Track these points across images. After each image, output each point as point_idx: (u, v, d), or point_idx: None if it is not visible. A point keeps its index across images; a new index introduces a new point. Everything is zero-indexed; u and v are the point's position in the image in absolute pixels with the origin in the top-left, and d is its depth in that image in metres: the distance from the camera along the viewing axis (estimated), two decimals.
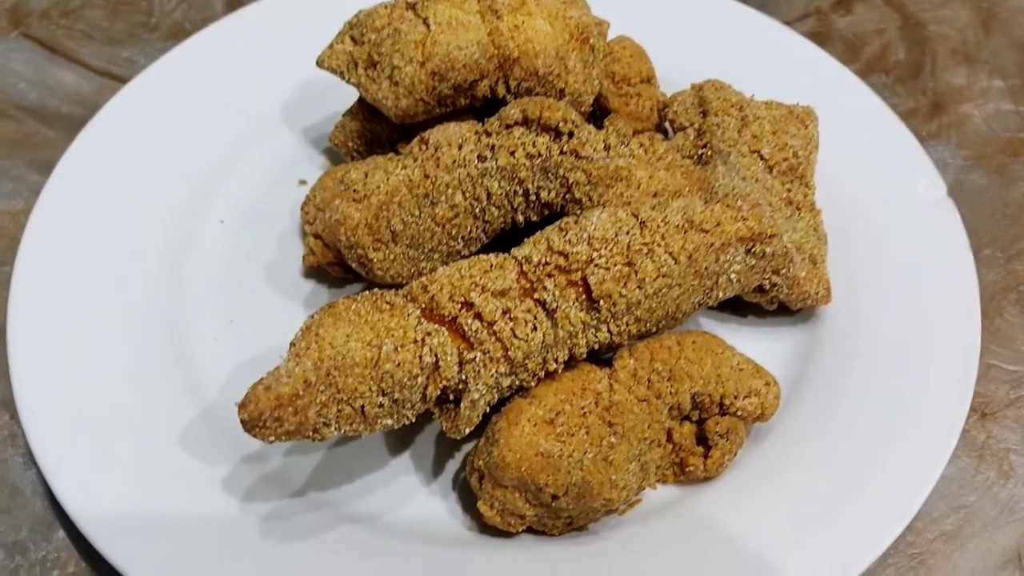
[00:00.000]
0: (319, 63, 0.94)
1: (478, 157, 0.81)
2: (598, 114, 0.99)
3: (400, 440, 0.85)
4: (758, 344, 0.90)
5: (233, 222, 1.00)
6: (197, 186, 1.02)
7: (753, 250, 0.79)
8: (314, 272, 0.96)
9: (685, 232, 0.77)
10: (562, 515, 0.76)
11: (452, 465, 0.84)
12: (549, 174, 0.82)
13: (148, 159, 1.02)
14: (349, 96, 0.97)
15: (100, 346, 0.88)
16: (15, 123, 1.15)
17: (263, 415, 0.67)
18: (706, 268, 0.78)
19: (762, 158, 0.94)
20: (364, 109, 0.96)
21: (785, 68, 1.11)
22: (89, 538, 0.76)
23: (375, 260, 0.81)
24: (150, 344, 0.89)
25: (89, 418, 0.83)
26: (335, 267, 0.93)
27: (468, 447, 0.85)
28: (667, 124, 1.01)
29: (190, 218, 1.00)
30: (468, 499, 0.81)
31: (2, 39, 1.24)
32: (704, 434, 0.81)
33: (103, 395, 0.85)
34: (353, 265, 0.83)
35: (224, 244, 0.99)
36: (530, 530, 0.79)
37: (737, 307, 0.93)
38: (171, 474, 0.80)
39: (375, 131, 0.97)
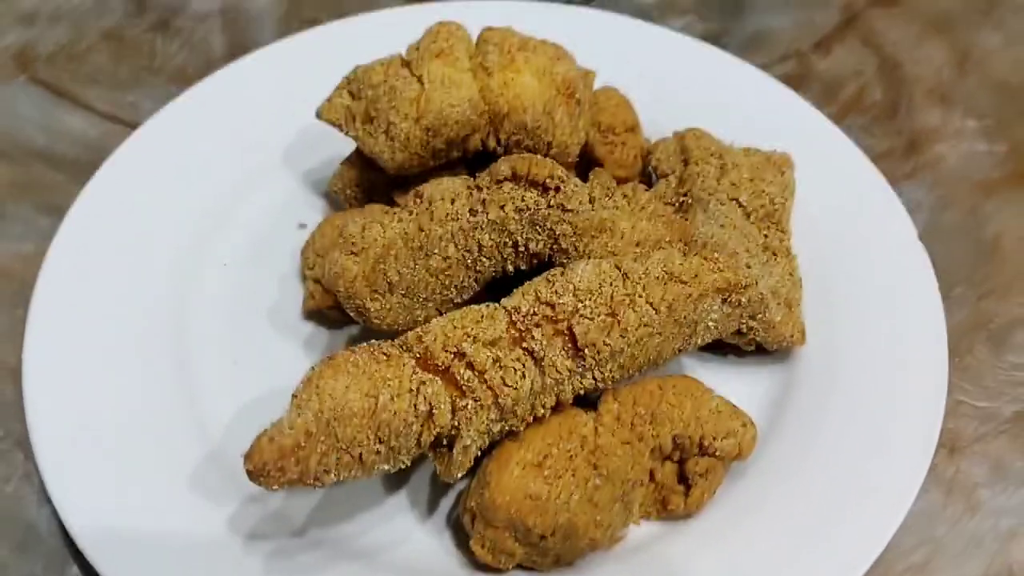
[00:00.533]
0: (318, 115, 0.98)
1: (470, 211, 0.85)
2: (584, 162, 1.03)
3: (396, 480, 0.89)
4: (737, 382, 0.94)
5: (236, 265, 1.04)
6: (201, 230, 1.06)
7: (729, 300, 0.83)
8: (314, 315, 1.00)
9: (665, 283, 0.81)
10: (550, 553, 0.80)
11: (446, 504, 0.88)
12: (537, 226, 0.86)
13: (155, 204, 1.06)
14: (347, 142, 1.00)
15: (111, 388, 0.92)
16: (23, 167, 1.18)
17: (267, 465, 0.70)
18: (685, 317, 0.82)
19: (740, 205, 0.98)
20: (362, 158, 1.00)
21: (763, 114, 1.15)
22: (101, 573, 0.79)
23: (372, 310, 0.85)
24: (158, 386, 0.93)
25: (102, 458, 0.87)
26: (334, 311, 0.96)
27: (461, 486, 0.89)
28: (651, 170, 1.06)
29: (194, 261, 1.03)
30: (461, 537, 0.85)
31: (9, 83, 1.28)
32: (685, 473, 0.85)
33: (114, 436, 0.88)
34: (351, 314, 0.86)
35: (227, 287, 1.02)
36: (520, 567, 0.82)
37: (717, 348, 0.97)
38: (180, 513, 0.84)
39: (372, 179, 1.01)
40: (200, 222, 1.07)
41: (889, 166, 1.18)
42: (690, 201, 0.98)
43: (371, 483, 0.88)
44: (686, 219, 0.95)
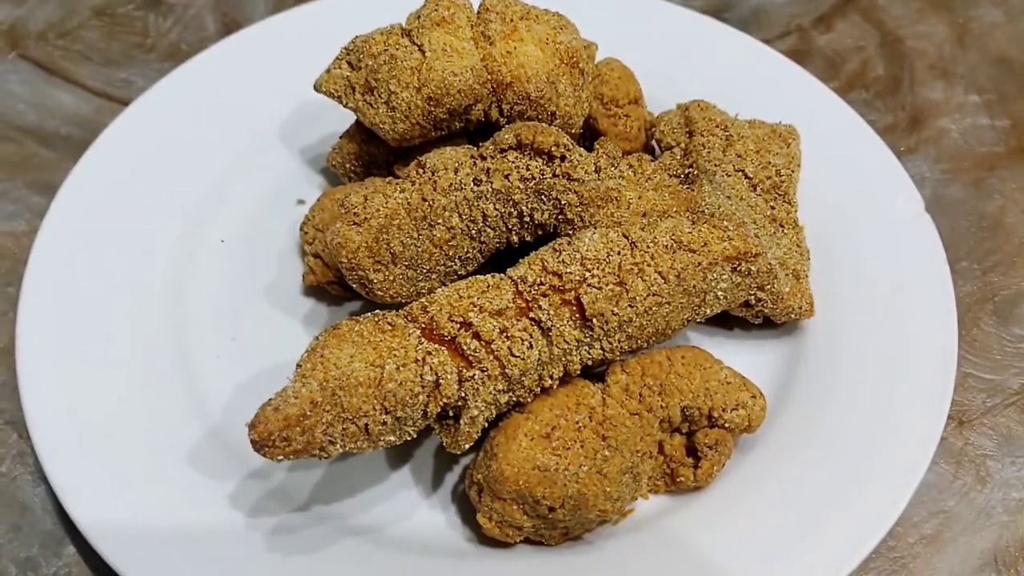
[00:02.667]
0: (316, 87, 0.96)
1: (474, 180, 0.84)
2: (588, 134, 1.02)
3: (400, 454, 0.88)
4: (744, 356, 0.93)
5: (233, 241, 1.03)
6: (198, 206, 1.04)
7: (739, 268, 0.82)
8: (313, 291, 0.99)
9: (674, 252, 0.80)
10: (558, 526, 0.79)
11: (451, 478, 0.87)
12: (542, 196, 0.85)
13: (150, 180, 1.04)
14: (346, 116, 0.99)
15: (107, 365, 0.90)
16: (15, 145, 1.17)
17: (272, 435, 0.69)
18: (694, 286, 0.81)
19: (746, 176, 0.97)
20: (361, 131, 0.99)
21: (767, 87, 1.14)
22: (100, 552, 0.78)
23: (375, 281, 0.84)
24: (156, 363, 0.92)
25: (98, 436, 0.85)
26: (334, 286, 0.95)
27: (467, 460, 0.88)
28: (654, 143, 1.04)
29: (191, 238, 1.02)
30: (467, 511, 0.84)
31: (0, 60, 1.26)
32: (694, 446, 0.84)
33: (111, 413, 0.87)
34: (354, 286, 0.85)
35: (225, 263, 1.01)
36: (528, 541, 0.81)
37: (724, 321, 0.96)
38: (179, 490, 0.83)
39: (372, 153, 0.99)
40: (196, 199, 1.05)
41: (892, 140, 1.18)
42: (695, 173, 0.96)
43: (374, 457, 0.87)
44: (692, 190, 0.93)
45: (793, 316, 0.93)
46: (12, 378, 0.89)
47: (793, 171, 0.99)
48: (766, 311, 0.92)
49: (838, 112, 1.12)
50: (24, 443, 0.91)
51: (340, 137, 1.02)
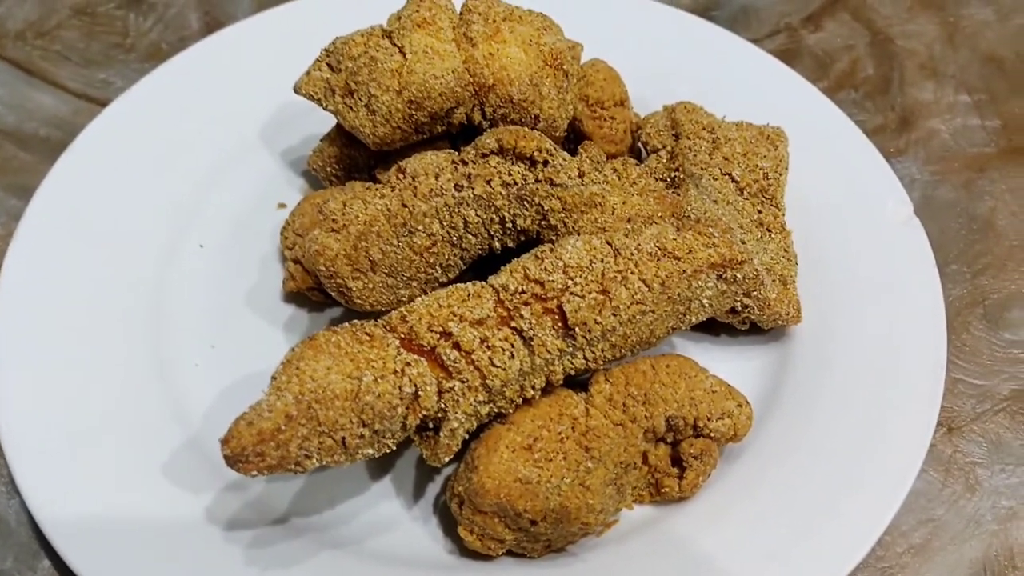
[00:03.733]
0: (296, 90, 0.94)
1: (455, 186, 0.82)
2: (572, 137, 1.00)
3: (380, 465, 0.86)
4: (731, 363, 0.92)
5: (212, 246, 1.01)
6: (176, 210, 1.02)
7: (724, 276, 0.81)
8: (294, 297, 0.97)
9: (658, 259, 0.79)
10: (541, 539, 0.78)
11: (432, 489, 0.86)
12: (525, 202, 0.83)
13: (128, 183, 1.02)
14: (327, 118, 0.97)
15: (83, 373, 0.88)
16: None
17: (245, 450, 0.68)
18: (679, 294, 0.79)
19: (733, 180, 0.96)
20: (342, 135, 0.97)
21: (755, 88, 1.13)
22: (73, 568, 0.76)
23: (354, 289, 0.82)
24: (133, 371, 0.90)
25: (73, 445, 0.83)
26: (315, 292, 0.93)
27: (449, 470, 0.86)
28: (640, 145, 1.03)
29: (170, 243, 1.00)
30: (449, 523, 0.82)
31: None
32: (679, 455, 0.82)
33: (86, 423, 0.85)
34: (333, 294, 0.83)
35: (204, 269, 0.99)
36: (510, 553, 0.80)
37: (710, 327, 0.95)
38: (156, 502, 0.81)
39: (353, 156, 0.98)
40: (175, 202, 1.03)
41: (882, 141, 1.17)
42: (682, 176, 0.95)
43: (355, 468, 0.86)
44: (678, 195, 0.92)
45: (780, 322, 0.92)
46: None
47: (781, 174, 0.98)
48: (752, 317, 0.91)
49: (827, 113, 1.10)
50: None
51: (320, 140, 1.00)
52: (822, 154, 1.06)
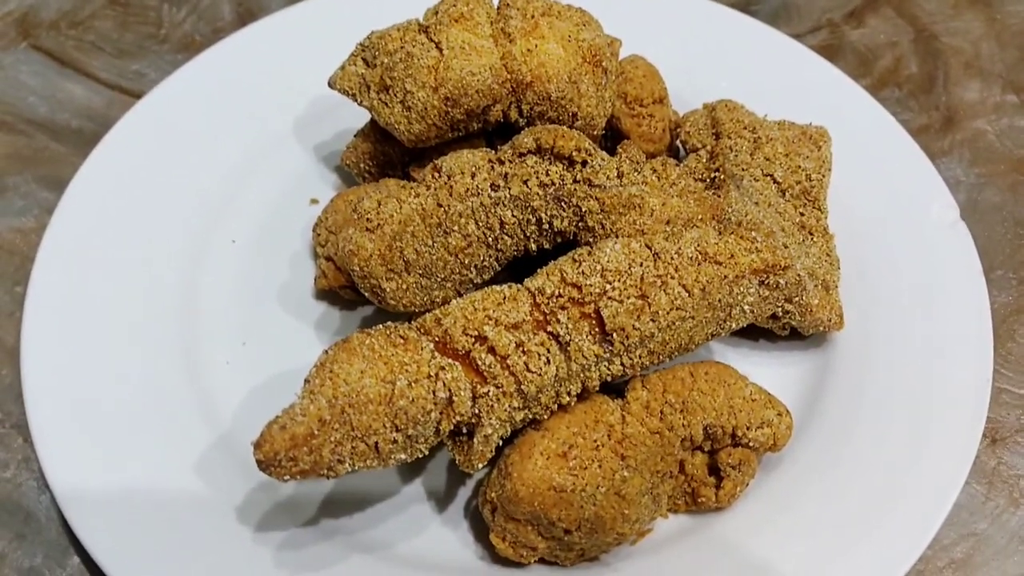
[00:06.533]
0: (331, 84, 0.93)
1: (491, 186, 0.80)
2: (610, 135, 0.99)
3: (411, 468, 0.85)
4: (770, 369, 0.90)
5: (244, 242, 1.00)
6: (208, 205, 1.02)
7: (767, 282, 0.78)
8: (325, 294, 0.96)
9: (699, 264, 0.77)
10: (574, 548, 0.76)
11: (464, 493, 0.84)
12: (562, 203, 0.81)
13: (160, 177, 1.02)
14: (361, 113, 0.96)
15: (114, 369, 0.88)
16: (25, 138, 1.14)
17: (278, 455, 0.66)
18: (719, 300, 0.77)
19: (775, 181, 0.93)
20: (376, 131, 0.96)
21: (797, 85, 1.10)
22: (101, 566, 0.76)
23: (388, 290, 0.81)
24: (164, 368, 0.89)
25: (104, 444, 0.83)
26: (347, 290, 0.92)
27: (480, 474, 0.85)
28: (679, 144, 1.01)
29: (201, 238, 0.99)
30: (480, 528, 0.81)
31: (11, 51, 1.23)
32: (716, 465, 0.80)
33: (117, 421, 0.85)
34: (366, 294, 0.82)
35: (236, 265, 0.98)
36: (542, 560, 0.79)
37: (749, 332, 0.93)
38: (186, 501, 0.80)
39: (387, 153, 0.96)
40: (207, 197, 1.02)
41: (926, 142, 1.13)
42: (722, 177, 0.93)
43: (385, 472, 0.85)
44: (718, 196, 0.90)
45: (822, 328, 0.89)
46: (19, 381, 0.86)
47: (824, 175, 0.95)
48: (794, 323, 0.89)
49: (871, 113, 1.08)
50: (29, 448, 0.89)
51: (355, 136, 0.99)
52: (866, 154, 1.03)
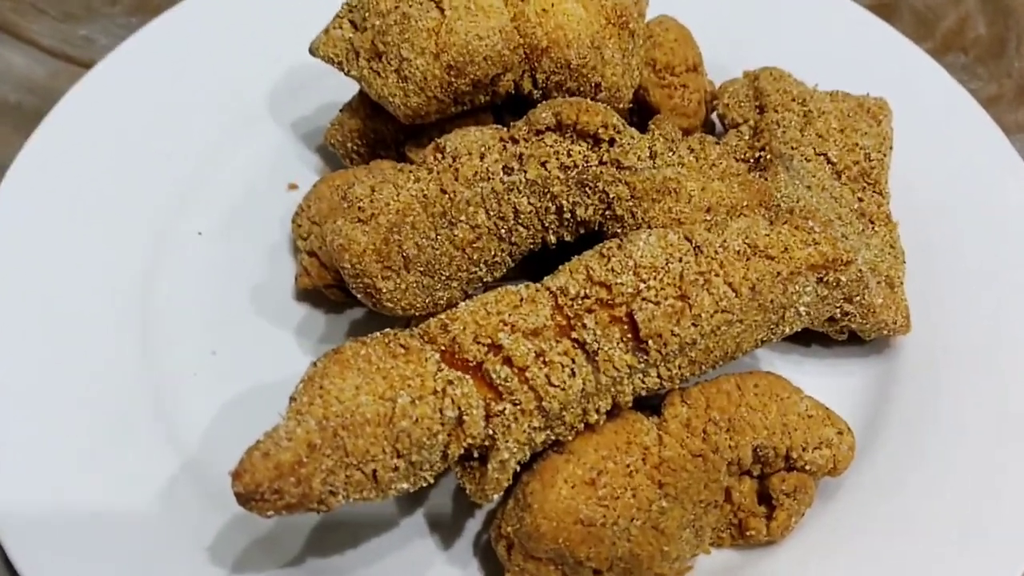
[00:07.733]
0: (312, 51, 0.92)
1: (504, 169, 0.80)
2: (637, 109, 0.98)
3: (412, 497, 0.84)
4: (824, 380, 0.90)
5: (213, 235, 1.00)
6: (170, 193, 1.02)
7: (826, 279, 0.78)
8: (308, 295, 0.96)
9: (747, 259, 0.76)
10: None
11: (473, 526, 0.84)
12: (586, 188, 0.81)
13: (113, 161, 1.01)
14: (347, 85, 0.95)
15: (63, 386, 0.87)
16: None
17: (260, 487, 0.65)
18: (771, 301, 0.76)
19: (829, 161, 0.94)
20: (365, 105, 0.96)
21: (850, 51, 1.10)
22: None
23: (384, 290, 0.80)
24: (121, 382, 0.88)
25: (51, 470, 0.82)
26: (333, 290, 0.92)
27: (492, 506, 0.84)
28: (716, 118, 1.01)
29: (163, 231, 0.99)
30: (493, 568, 0.80)
31: None
32: (767, 492, 0.80)
33: (67, 443, 0.84)
34: (358, 296, 0.81)
35: (203, 261, 0.98)
36: None
37: (800, 337, 0.92)
38: (150, 539, 0.79)
39: (378, 130, 0.96)
40: (169, 183, 1.02)
41: (997, 114, 1.13)
42: (769, 157, 0.93)
43: (382, 502, 0.83)
44: (765, 179, 0.89)
45: (886, 332, 0.89)
46: None
47: (884, 155, 0.96)
48: (853, 326, 0.89)
49: (936, 81, 1.08)
50: None
51: (340, 111, 0.99)
52: (931, 130, 1.04)
